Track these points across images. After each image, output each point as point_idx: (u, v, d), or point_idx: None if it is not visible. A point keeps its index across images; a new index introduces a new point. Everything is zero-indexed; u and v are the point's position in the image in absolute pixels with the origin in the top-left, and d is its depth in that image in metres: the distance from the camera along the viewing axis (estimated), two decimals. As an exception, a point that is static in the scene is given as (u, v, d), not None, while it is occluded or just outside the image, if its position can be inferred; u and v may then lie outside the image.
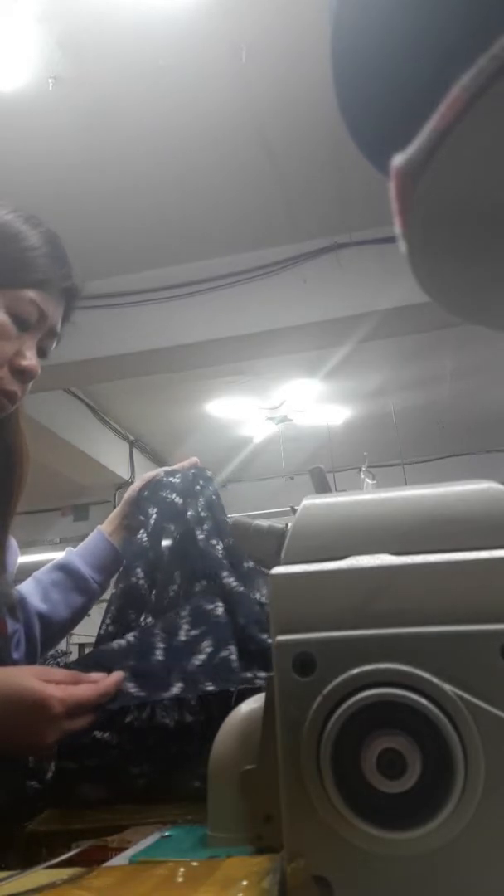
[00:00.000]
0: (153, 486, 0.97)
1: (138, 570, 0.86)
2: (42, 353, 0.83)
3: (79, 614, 0.99)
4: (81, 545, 1.02)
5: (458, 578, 0.37)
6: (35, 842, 0.69)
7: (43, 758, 0.73)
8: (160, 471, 1.00)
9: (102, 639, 0.83)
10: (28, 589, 0.98)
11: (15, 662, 0.91)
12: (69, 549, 1.02)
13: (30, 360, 0.79)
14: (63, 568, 0.99)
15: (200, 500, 0.93)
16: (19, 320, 0.78)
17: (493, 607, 0.36)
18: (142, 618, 0.83)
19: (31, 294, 0.78)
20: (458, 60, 0.23)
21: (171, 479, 0.97)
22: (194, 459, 1.01)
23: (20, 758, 0.74)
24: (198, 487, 0.95)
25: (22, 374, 0.79)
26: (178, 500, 0.93)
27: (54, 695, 0.66)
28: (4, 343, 0.77)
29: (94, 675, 0.71)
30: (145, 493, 0.97)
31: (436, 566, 0.38)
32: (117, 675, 0.71)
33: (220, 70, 2.50)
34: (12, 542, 0.93)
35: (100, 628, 0.86)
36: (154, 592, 0.85)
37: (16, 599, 0.88)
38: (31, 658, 0.94)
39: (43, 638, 0.95)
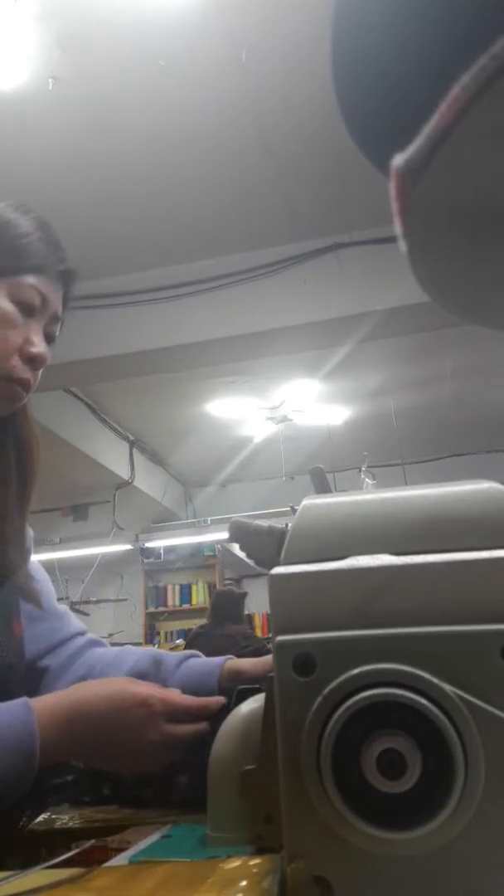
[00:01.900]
0: None
1: None
2: (48, 338, 0.83)
3: None
4: (193, 664, 0.89)
5: (458, 578, 0.37)
6: (35, 842, 0.69)
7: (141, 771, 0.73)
8: None
9: None
10: (116, 665, 0.90)
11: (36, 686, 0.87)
12: (189, 654, 0.91)
13: (38, 346, 0.79)
14: (158, 665, 0.89)
15: None
16: (23, 307, 0.78)
17: (493, 607, 0.36)
18: None
19: (30, 280, 0.78)
20: (458, 60, 0.23)
21: None
22: None
23: (123, 770, 0.73)
24: None
25: (33, 361, 0.79)
26: None
27: (154, 694, 0.67)
28: (12, 331, 0.77)
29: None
30: None
31: (436, 566, 0.38)
32: (219, 699, 0.71)
33: (220, 70, 2.50)
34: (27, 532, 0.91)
35: None
36: None
37: (36, 592, 0.85)
38: None
39: None
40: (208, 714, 0.69)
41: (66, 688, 0.84)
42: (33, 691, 0.84)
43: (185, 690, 0.81)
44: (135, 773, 0.75)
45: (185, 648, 0.95)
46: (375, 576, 0.38)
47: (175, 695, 0.69)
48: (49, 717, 0.64)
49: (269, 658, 0.85)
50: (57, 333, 0.85)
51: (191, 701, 0.69)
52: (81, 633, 0.94)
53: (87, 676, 0.88)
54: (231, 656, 0.89)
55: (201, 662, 0.90)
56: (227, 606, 4.18)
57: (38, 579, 0.91)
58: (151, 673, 0.88)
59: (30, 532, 0.91)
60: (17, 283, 0.78)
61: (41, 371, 0.82)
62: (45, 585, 0.93)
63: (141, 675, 0.86)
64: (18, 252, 0.78)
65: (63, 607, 0.95)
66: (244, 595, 4.43)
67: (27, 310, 0.79)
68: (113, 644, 1.03)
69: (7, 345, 0.77)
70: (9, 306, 0.77)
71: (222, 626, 3.98)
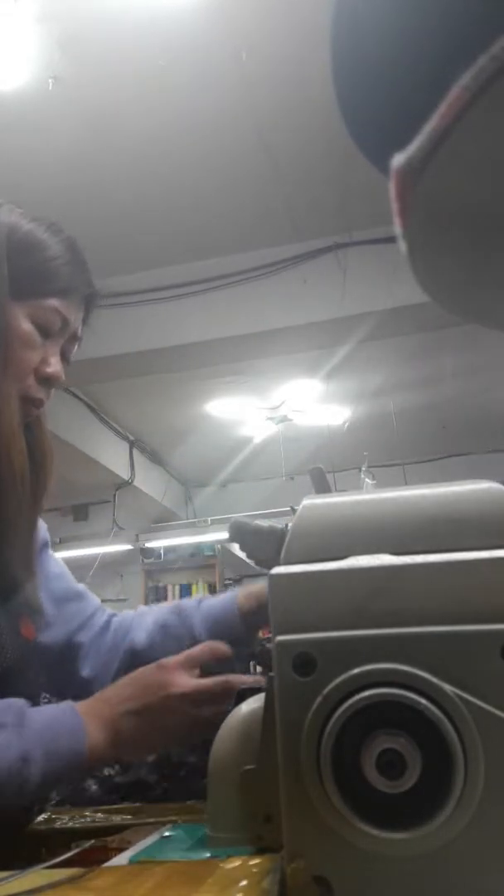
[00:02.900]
0: None
1: None
2: (65, 357, 0.84)
3: None
4: (211, 602, 0.93)
5: (458, 578, 0.37)
6: (35, 842, 0.69)
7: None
8: None
9: None
10: (138, 622, 0.94)
11: (70, 677, 0.91)
12: (201, 598, 0.95)
13: (54, 366, 0.81)
14: (179, 613, 0.93)
15: None
16: (43, 329, 0.79)
17: (493, 607, 0.36)
18: None
19: (54, 303, 0.79)
20: (458, 60, 0.23)
21: None
22: None
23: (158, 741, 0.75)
24: None
25: (48, 382, 0.81)
26: None
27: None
28: (30, 352, 0.78)
29: None
30: None
31: (436, 566, 0.38)
32: (232, 679, 0.72)
33: (221, 70, 2.50)
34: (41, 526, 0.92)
35: None
36: None
37: (40, 604, 0.85)
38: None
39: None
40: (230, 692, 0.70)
41: (99, 658, 0.91)
42: (72, 665, 0.90)
43: (211, 629, 0.88)
44: (168, 744, 0.77)
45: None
46: (375, 576, 0.38)
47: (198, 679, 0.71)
48: (88, 709, 0.68)
49: None
50: (74, 352, 0.86)
51: (212, 680, 0.72)
52: (102, 609, 0.99)
53: (117, 642, 0.93)
54: (238, 587, 0.96)
55: (217, 600, 0.93)
56: None
57: (55, 566, 0.95)
58: (174, 623, 0.92)
59: (43, 525, 0.93)
60: (40, 305, 0.78)
61: (53, 389, 0.83)
62: (63, 570, 0.97)
63: (165, 626, 0.91)
64: (45, 275, 0.79)
65: (81, 586, 0.99)
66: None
67: (47, 332, 0.80)
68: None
69: (25, 365, 0.78)
70: (29, 328, 0.78)
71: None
